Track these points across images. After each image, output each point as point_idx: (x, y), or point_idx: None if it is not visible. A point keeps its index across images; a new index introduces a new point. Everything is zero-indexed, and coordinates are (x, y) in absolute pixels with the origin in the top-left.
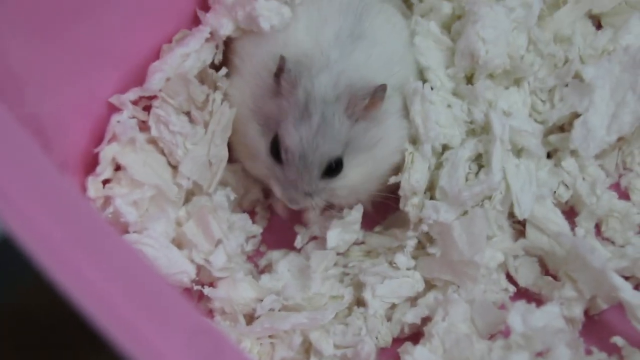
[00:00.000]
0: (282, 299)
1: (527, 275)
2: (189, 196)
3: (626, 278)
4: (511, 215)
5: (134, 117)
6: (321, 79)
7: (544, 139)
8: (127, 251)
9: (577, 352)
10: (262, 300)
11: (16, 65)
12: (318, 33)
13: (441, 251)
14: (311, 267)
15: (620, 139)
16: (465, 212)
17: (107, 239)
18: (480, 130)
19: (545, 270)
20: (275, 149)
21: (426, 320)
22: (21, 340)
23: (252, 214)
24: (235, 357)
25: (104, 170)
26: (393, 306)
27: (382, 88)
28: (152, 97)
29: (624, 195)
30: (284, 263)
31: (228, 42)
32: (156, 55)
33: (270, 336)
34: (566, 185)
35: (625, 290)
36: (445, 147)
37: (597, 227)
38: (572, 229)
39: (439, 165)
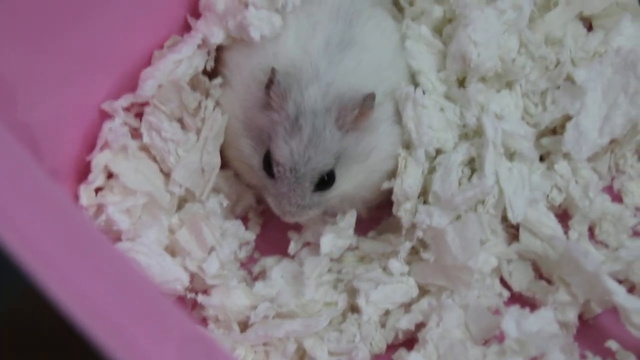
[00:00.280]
0: (275, 306)
1: (520, 280)
2: (181, 203)
3: (620, 281)
4: (504, 219)
5: (125, 124)
6: (311, 91)
7: (537, 142)
8: (120, 259)
9: (571, 356)
10: (255, 308)
11: (6, 72)
12: (307, 41)
13: (435, 256)
14: (305, 274)
15: (612, 142)
16: (459, 217)
17: (100, 247)
18: (472, 133)
19: (539, 274)
20: (268, 164)
21: (420, 326)
22: (18, 341)
23: (244, 220)
24: None
25: (96, 178)
26: (387, 312)
27: (371, 97)
28: (144, 104)
29: (617, 198)
30: (277, 270)
31: (218, 53)
32: (147, 62)
33: (264, 344)
34: (559, 189)
35: (619, 294)
36: (438, 151)
37: (591, 230)
38: (566, 232)
39: (432, 170)
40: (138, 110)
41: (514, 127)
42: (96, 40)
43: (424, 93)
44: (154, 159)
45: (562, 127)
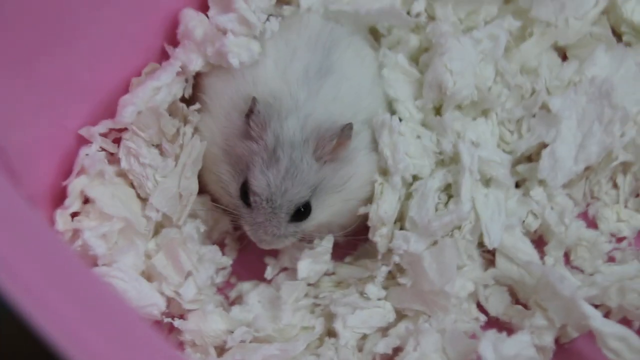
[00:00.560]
0: (253, 331)
1: (497, 305)
2: (158, 228)
3: (596, 306)
4: (481, 244)
5: (102, 150)
6: (290, 122)
7: (513, 169)
8: (97, 284)
9: None
10: (232, 332)
11: None
12: (286, 69)
13: (412, 281)
14: (282, 298)
15: (587, 169)
16: (435, 242)
17: (76, 272)
18: (449, 160)
19: (516, 300)
20: (245, 193)
21: (397, 350)
22: None
23: (221, 245)
24: None
25: (73, 203)
26: (364, 337)
27: (349, 127)
28: (122, 130)
29: (592, 224)
30: (254, 294)
31: (196, 79)
32: (125, 89)
33: None
34: (535, 215)
35: (595, 319)
36: (415, 178)
37: (566, 255)
38: (542, 257)
39: (408, 196)
40: (116, 136)
41: (490, 154)
42: (74, 67)
43: (400, 121)
44: (131, 185)
45: (538, 154)
